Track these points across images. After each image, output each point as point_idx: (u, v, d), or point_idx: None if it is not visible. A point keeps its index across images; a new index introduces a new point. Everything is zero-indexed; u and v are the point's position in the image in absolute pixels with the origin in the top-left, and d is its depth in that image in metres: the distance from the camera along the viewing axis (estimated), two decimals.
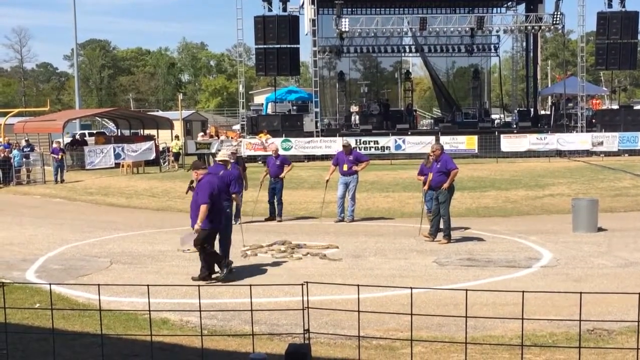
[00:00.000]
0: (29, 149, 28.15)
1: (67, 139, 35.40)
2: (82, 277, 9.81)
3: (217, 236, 10.08)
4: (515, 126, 35.66)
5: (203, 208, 9.08)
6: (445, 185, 12.16)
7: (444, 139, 28.88)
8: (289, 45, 33.20)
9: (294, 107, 38.52)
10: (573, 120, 33.69)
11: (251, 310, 4.47)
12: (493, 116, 41.62)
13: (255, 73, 41.85)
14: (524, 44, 41.22)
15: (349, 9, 39.26)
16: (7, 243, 12.92)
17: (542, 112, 41.91)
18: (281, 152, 17.60)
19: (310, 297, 3.60)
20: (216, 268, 9.65)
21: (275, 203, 15.57)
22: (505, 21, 36.94)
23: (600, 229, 13.12)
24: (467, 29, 35.62)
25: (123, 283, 9.24)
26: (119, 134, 37.88)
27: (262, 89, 62.05)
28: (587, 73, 36.80)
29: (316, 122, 33.20)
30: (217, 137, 33.91)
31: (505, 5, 41.29)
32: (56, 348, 5.81)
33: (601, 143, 30.70)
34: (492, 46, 42.34)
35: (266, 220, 15.47)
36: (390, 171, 25.35)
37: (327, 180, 15.45)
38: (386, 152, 30.91)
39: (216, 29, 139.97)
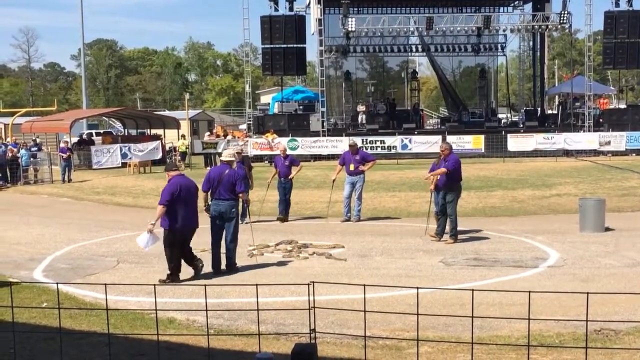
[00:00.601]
0: (36, 148, 28.25)
1: (75, 139, 35.50)
2: (89, 277, 9.85)
3: (223, 235, 10.11)
4: (522, 126, 35.50)
5: (159, 208, 9.22)
6: (429, 174, 12.58)
7: (450, 139, 28.68)
8: (295, 45, 33.19)
9: (301, 107, 38.48)
10: (580, 119, 33.54)
11: (257, 309, 4.48)
12: (500, 116, 41.47)
13: (261, 73, 41.83)
14: (531, 43, 41.04)
15: (356, 9, 39.20)
16: (14, 242, 12.99)
17: (549, 112, 41.74)
18: (288, 151, 17.56)
19: (316, 297, 3.60)
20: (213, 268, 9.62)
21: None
22: (512, 20, 36.78)
23: (607, 229, 13.07)
24: (474, 28, 35.49)
25: (130, 282, 9.28)
26: (126, 134, 37.96)
27: (268, 89, 62.04)
28: (594, 72, 36.66)
29: (322, 122, 33.15)
30: (224, 137, 33.94)
31: (512, 5, 41.13)
32: (63, 347, 5.82)
33: (608, 142, 30.53)
34: (498, 45, 42.21)
35: (278, 219, 15.40)
36: (397, 171, 25.31)
37: (334, 180, 15.42)
38: (393, 151, 30.84)
39: (222, 29, 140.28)
